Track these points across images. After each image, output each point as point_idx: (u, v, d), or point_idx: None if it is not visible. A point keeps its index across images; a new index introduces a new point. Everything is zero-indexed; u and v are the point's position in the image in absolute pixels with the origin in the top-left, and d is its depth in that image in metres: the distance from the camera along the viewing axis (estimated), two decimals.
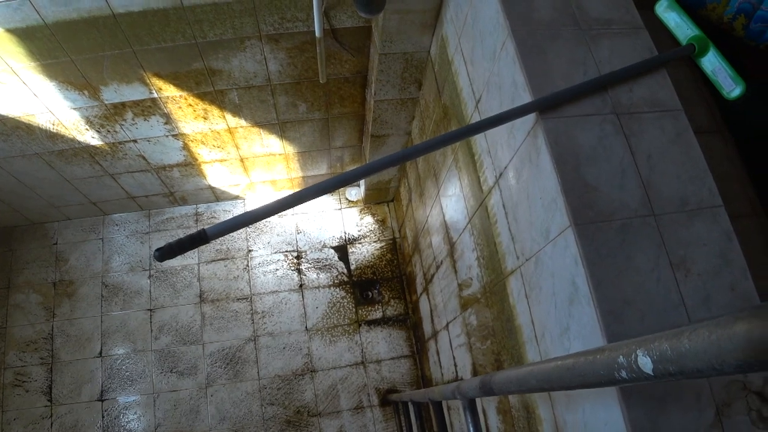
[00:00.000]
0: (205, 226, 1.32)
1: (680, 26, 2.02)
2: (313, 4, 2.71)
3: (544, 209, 1.66)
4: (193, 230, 4.80)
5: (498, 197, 2.09)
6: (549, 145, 1.57)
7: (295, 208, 4.92)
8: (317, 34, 2.72)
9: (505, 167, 1.96)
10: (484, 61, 2.08)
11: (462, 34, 2.36)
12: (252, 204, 4.95)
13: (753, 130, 2.72)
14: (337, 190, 5.08)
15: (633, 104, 1.74)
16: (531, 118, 1.66)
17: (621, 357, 0.67)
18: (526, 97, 1.71)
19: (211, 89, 3.41)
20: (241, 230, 4.81)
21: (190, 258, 4.67)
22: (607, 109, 1.69)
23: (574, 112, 1.65)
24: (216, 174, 4.48)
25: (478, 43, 2.14)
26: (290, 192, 4.96)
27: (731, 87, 1.92)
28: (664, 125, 1.73)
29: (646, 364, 0.62)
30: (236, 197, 4.94)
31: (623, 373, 0.68)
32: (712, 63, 1.95)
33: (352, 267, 4.77)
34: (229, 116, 3.71)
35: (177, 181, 4.49)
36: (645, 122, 1.71)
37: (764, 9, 2.72)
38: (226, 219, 1.49)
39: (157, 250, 1.23)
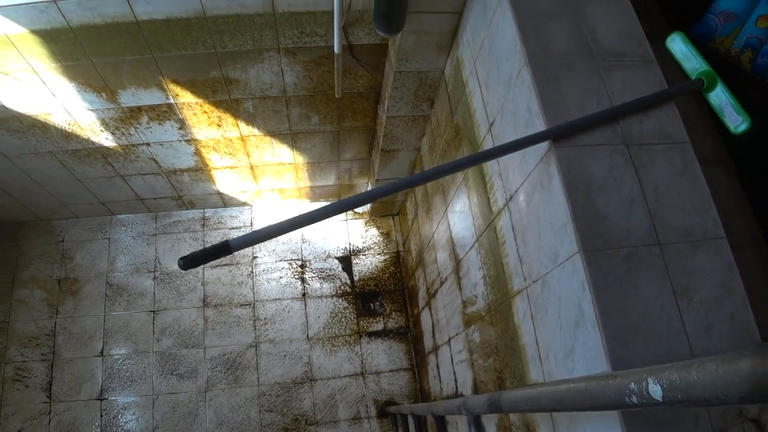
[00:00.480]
0: (229, 238, 1.37)
1: (690, 60, 2.07)
2: (332, 21, 2.78)
3: (553, 234, 1.71)
4: (199, 234, 4.86)
5: (507, 219, 2.15)
6: (561, 173, 1.63)
7: None
8: (336, 50, 2.78)
9: (516, 190, 2.02)
10: (499, 86, 2.14)
11: (478, 58, 2.42)
12: (259, 211, 5.01)
13: (757, 164, 2.78)
14: None
15: (643, 136, 1.79)
16: (544, 145, 1.72)
17: (632, 383, 0.72)
18: (540, 124, 1.76)
19: (226, 97, 3.47)
20: None
21: None
22: (617, 139, 1.75)
23: (587, 142, 1.70)
24: (225, 180, 4.54)
25: (494, 69, 2.20)
26: (297, 201, 5.03)
27: (737, 122, 1.97)
28: (672, 157, 1.79)
29: (656, 391, 0.67)
30: (244, 204, 4.99)
31: (634, 399, 0.73)
32: (719, 98, 2.00)
33: (356, 278, 4.82)
34: (242, 124, 3.77)
35: (186, 186, 4.55)
36: (654, 154, 1.77)
37: None
38: (249, 232, 1.53)
39: (182, 258, 1.28)
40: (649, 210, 1.66)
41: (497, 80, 2.17)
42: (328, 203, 1.42)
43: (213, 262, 4.68)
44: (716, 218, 1.73)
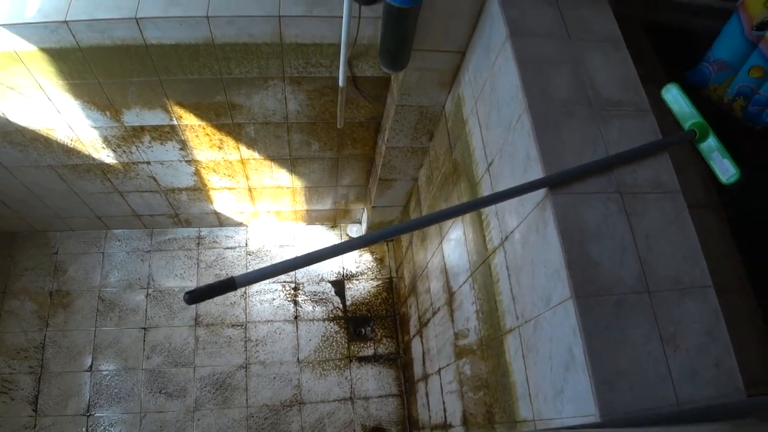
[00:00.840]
0: (235, 275, 1.41)
1: (683, 111, 2.13)
2: (338, 53, 2.85)
3: (546, 278, 1.76)
4: (194, 253, 4.88)
5: (502, 258, 2.20)
6: (556, 220, 1.68)
7: (297, 240, 5.01)
8: (340, 83, 2.85)
9: (512, 231, 2.07)
10: (499, 128, 2.21)
11: (479, 98, 2.49)
12: (254, 232, 5.04)
13: (747, 212, 2.83)
14: (338, 226, 5.18)
15: (636, 184, 1.86)
16: (541, 191, 1.78)
17: None
18: (537, 169, 1.83)
19: (229, 122, 3.52)
20: (242, 257, 4.89)
21: (189, 280, 4.74)
22: (612, 188, 1.82)
23: (582, 190, 1.77)
24: (223, 200, 4.58)
25: (495, 110, 2.27)
26: (293, 223, 5.07)
27: (727, 173, 2.02)
28: (664, 206, 1.85)
29: None
30: (239, 224, 5.03)
31: None
32: (710, 149, 2.06)
33: (348, 303, 4.85)
34: (243, 148, 3.82)
35: (184, 204, 4.58)
36: (646, 202, 1.83)
37: (762, 93, 2.87)
38: (255, 269, 1.58)
39: (187, 293, 1.33)
40: (639, 258, 1.72)
41: (497, 122, 2.23)
42: (331, 245, 1.47)
43: (206, 280, 4.71)
44: (704, 267, 1.79)
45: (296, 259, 1.38)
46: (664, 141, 2.00)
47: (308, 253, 1.41)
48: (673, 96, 2.16)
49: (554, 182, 1.71)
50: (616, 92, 2.10)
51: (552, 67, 2.07)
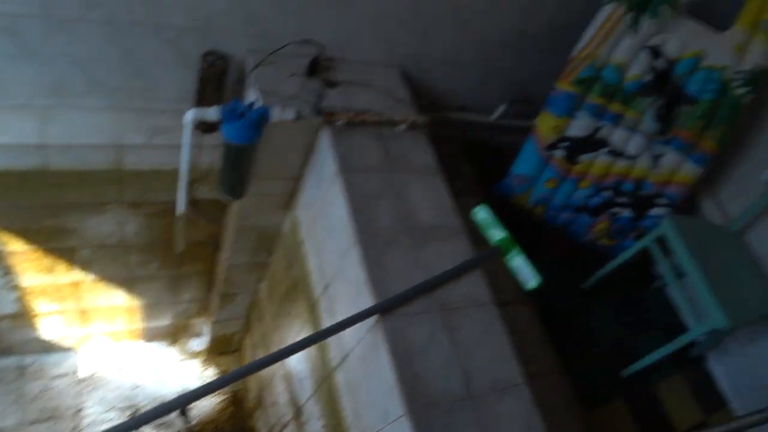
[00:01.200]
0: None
1: (491, 229, 2.43)
2: (177, 179, 2.92)
3: (382, 396, 1.93)
4: (14, 386, 4.45)
5: (343, 376, 2.34)
6: (387, 343, 1.89)
7: (133, 359, 4.77)
8: (179, 211, 2.91)
9: (350, 351, 2.24)
10: (333, 254, 2.41)
11: (315, 222, 2.70)
12: (85, 356, 4.70)
13: (551, 306, 3.28)
14: (179, 341, 5.02)
15: (455, 301, 2.13)
16: (372, 318, 1.98)
17: None
18: (368, 296, 2.03)
19: (61, 245, 3.40)
20: (72, 385, 4.53)
21: (10, 418, 4.27)
22: (435, 306, 2.07)
23: (409, 312, 2.00)
24: (50, 325, 4.27)
25: (328, 236, 2.48)
26: (130, 342, 4.83)
27: (529, 281, 2.34)
28: (480, 317, 2.14)
29: None
30: (69, 349, 4.67)
31: None
32: (514, 259, 2.38)
33: (193, 422, 4.64)
34: (76, 271, 3.67)
35: (4, 332, 4.21)
36: (465, 316, 2.11)
37: (556, 200, 3.40)
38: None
39: None
40: (462, 368, 1.96)
41: (331, 248, 2.44)
42: (177, 396, 1.54)
43: (30, 417, 4.30)
44: (515, 367, 2.08)
45: (141, 416, 1.42)
46: (474, 260, 2.32)
47: (153, 408, 1.45)
48: (482, 217, 2.48)
49: (383, 308, 1.92)
50: (433, 218, 2.41)
51: (377, 200, 2.33)
